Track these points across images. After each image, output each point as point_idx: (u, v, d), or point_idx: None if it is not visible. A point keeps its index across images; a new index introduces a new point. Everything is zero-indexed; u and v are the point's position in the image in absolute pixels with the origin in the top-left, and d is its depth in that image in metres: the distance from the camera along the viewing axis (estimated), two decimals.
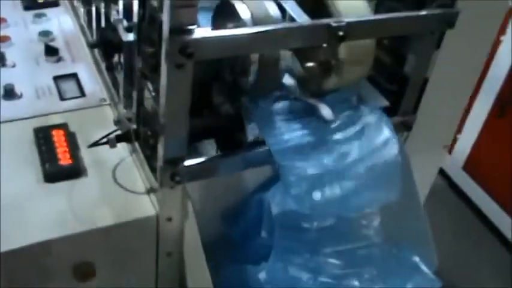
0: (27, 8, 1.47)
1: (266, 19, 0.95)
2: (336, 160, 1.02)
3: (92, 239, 1.00)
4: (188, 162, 0.99)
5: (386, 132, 1.03)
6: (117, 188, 1.07)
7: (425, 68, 1.14)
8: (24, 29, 1.39)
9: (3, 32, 1.35)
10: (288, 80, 1.10)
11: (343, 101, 1.05)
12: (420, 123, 1.24)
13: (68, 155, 1.08)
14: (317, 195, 1.04)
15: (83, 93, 1.24)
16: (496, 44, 2.16)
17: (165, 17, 0.82)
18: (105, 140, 1.04)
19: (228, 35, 0.88)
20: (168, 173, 0.98)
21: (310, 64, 1.09)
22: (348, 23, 0.93)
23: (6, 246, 0.92)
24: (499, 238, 2.38)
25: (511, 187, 2.24)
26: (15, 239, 0.94)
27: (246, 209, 1.10)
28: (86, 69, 1.30)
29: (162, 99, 0.91)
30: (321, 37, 0.94)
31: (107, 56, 1.04)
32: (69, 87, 1.24)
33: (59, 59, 1.31)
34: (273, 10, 0.96)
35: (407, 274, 1.18)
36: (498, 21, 1.18)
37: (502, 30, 2.13)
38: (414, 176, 1.28)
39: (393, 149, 1.03)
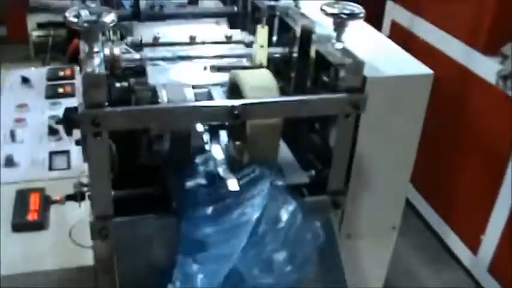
0: (48, 97, 1.80)
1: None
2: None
3: (36, 279, 1.20)
4: (116, 220, 1.16)
5: (290, 204, 1.13)
6: (69, 242, 1.27)
7: (345, 147, 1.23)
8: (40, 113, 1.70)
9: (22, 115, 1.67)
10: (220, 155, 1.26)
11: (257, 175, 1.18)
12: (354, 202, 1.31)
13: (36, 213, 1.31)
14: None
15: (69, 166, 1.49)
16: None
17: (82, 96, 1.05)
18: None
19: (132, 110, 1.08)
20: (97, 228, 1.15)
21: (237, 143, 1.25)
22: (243, 104, 1.10)
23: None
24: None
25: None
26: None
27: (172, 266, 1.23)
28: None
29: (88, 163, 1.11)
30: (221, 115, 1.10)
31: (68, 131, 1.27)
32: (60, 161, 1.51)
33: (59, 138, 1.59)
34: (189, 94, 1.16)
35: None
36: (422, 102, 1.27)
37: None
38: (362, 257, 1.34)
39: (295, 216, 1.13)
